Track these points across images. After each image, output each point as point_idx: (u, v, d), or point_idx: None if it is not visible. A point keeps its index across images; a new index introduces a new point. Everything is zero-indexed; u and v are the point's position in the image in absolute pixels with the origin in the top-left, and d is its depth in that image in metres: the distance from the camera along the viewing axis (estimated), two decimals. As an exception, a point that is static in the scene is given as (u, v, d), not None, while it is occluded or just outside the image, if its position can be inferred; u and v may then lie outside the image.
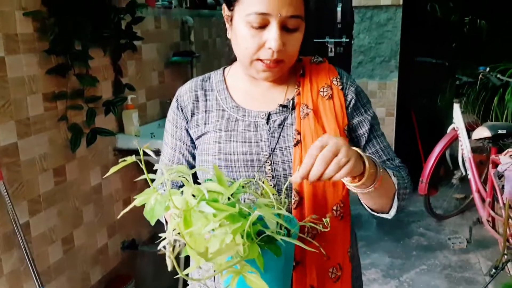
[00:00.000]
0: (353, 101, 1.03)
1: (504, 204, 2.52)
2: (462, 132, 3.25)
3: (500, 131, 2.84)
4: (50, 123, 2.05)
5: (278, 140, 0.97)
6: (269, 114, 1.00)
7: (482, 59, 4.09)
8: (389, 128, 3.93)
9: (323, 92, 1.02)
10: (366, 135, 1.04)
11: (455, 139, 3.35)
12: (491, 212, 2.92)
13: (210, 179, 0.75)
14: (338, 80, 1.03)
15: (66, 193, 2.18)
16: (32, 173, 1.97)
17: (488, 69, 3.31)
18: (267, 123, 0.99)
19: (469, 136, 3.17)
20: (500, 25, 4.12)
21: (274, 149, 0.97)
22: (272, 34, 0.89)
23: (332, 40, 4.19)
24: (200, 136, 1.03)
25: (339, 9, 4.09)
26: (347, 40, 4.13)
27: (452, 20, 4.18)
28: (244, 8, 0.90)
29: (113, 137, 2.48)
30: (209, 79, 1.08)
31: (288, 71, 1.03)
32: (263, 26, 0.90)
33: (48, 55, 2.00)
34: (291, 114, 1.00)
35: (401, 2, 3.75)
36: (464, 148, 3.22)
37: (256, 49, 0.92)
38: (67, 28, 2.00)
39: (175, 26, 3.12)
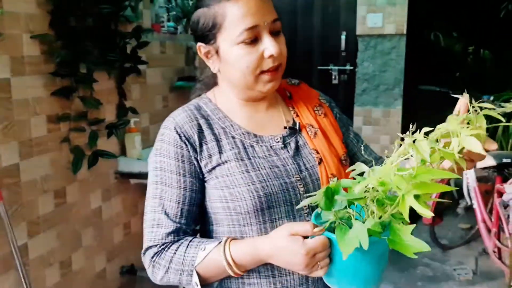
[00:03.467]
0: (337, 114, 1.12)
1: (510, 234, 2.48)
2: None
3: (504, 160, 2.81)
4: (52, 144, 2.06)
5: (302, 161, 1.00)
6: (283, 138, 1.01)
7: (485, 88, 4.11)
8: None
9: (318, 110, 1.08)
10: (354, 141, 1.12)
11: (459, 168, 3.32)
12: (497, 242, 2.86)
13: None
14: (322, 98, 1.12)
15: (66, 215, 2.17)
16: (32, 195, 1.96)
17: (492, 98, 3.31)
18: (285, 146, 1.00)
19: (474, 165, 3.15)
20: (503, 55, 4.15)
21: (302, 171, 0.98)
22: (267, 43, 0.92)
23: (336, 67, 4.21)
24: (215, 167, 0.95)
25: (343, 37, 4.13)
26: (351, 67, 4.16)
27: (456, 50, 4.22)
28: (231, 32, 0.92)
29: (114, 160, 2.48)
30: (200, 107, 1.02)
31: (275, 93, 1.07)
32: (254, 39, 0.92)
33: (53, 77, 2.03)
34: (300, 135, 1.03)
35: (405, 31, 3.78)
36: (469, 177, 3.19)
37: (257, 63, 0.93)
38: (73, 51, 2.03)
39: (180, 51, 3.16)
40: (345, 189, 0.80)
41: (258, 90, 0.98)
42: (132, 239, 2.62)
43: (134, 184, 2.60)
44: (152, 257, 0.94)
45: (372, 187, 0.72)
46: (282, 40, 0.97)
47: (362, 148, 1.12)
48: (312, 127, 1.04)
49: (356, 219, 0.75)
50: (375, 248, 0.76)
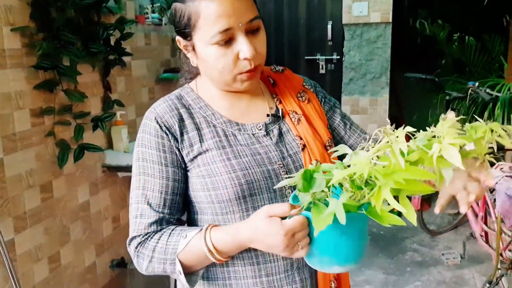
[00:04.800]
0: (323, 99, 1.11)
1: (496, 218, 2.51)
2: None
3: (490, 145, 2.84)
4: (37, 138, 2.03)
5: (285, 148, 0.99)
6: (266, 125, 1.01)
7: (470, 75, 4.14)
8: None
9: (301, 97, 1.07)
10: (341, 124, 1.12)
11: (446, 154, 3.35)
12: (484, 226, 2.90)
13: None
14: (306, 83, 1.11)
15: (53, 210, 2.15)
16: (17, 190, 1.94)
17: (477, 84, 3.34)
18: (267, 133, 1.00)
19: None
20: (487, 41, 4.18)
21: (284, 158, 0.98)
22: (242, 45, 0.89)
23: (323, 57, 4.21)
24: (196, 156, 0.95)
25: (329, 26, 4.13)
26: (338, 57, 4.16)
27: (441, 37, 4.24)
28: (205, 33, 0.90)
29: (101, 154, 2.45)
30: (182, 97, 1.02)
31: (259, 81, 1.06)
32: (229, 40, 0.90)
33: (35, 71, 2.00)
34: (283, 122, 1.03)
35: (390, 20, 3.79)
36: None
37: (233, 65, 0.92)
38: (55, 44, 2.00)
39: (166, 42, 3.13)
40: (325, 173, 0.80)
41: (236, 88, 0.98)
42: (121, 232, 2.61)
43: (122, 177, 2.59)
44: (136, 247, 0.93)
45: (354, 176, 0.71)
46: (261, 38, 0.93)
47: (350, 131, 1.11)
48: (296, 113, 1.03)
49: (332, 197, 0.74)
50: (353, 224, 0.77)
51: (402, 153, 0.68)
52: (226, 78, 0.94)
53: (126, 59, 2.55)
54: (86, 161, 2.32)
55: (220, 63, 0.91)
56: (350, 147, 1.07)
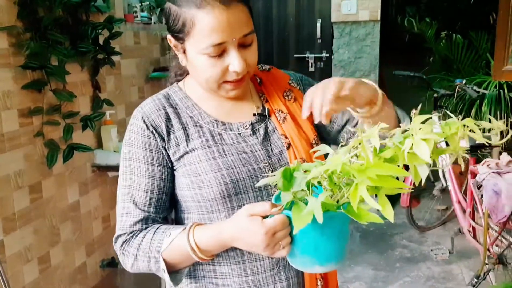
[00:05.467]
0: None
1: (483, 213, 2.54)
2: (442, 144, 3.28)
3: (477, 142, 2.87)
4: (25, 139, 2.02)
5: (271, 147, 1.00)
6: (252, 124, 1.01)
7: (458, 72, 4.19)
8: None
9: (288, 96, 1.07)
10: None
11: (434, 150, 3.38)
12: (472, 222, 2.94)
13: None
14: (292, 81, 1.10)
15: (43, 210, 2.14)
16: (6, 190, 1.92)
17: (464, 81, 3.38)
18: (253, 133, 1.00)
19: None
20: (474, 39, 4.23)
21: (270, 156, 0.98)
22: (233, 59, 0.89)
23: (313, 55, 4.23)
24: (183, 156, 0.95)
25: (318, 24, 4.15)
26: (327, 55, 4.18)
27: (429, 35, 4.28)
28: (197, 42, 0.89)
29: (91, 153, 2.44)
30: (169, 96, 1.01)
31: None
32: (221, 52, 0.90)
33: (23, 70, 1.98)
34: (269, 121, 1.03)
35: (378, 18, 3.82)
36: (444, 160, 3.25)
37: (221, 75, 0.92)
38: (42, 43, 1.99)
39: (155, 41, 3.12)
40: (305, 172, 0.80)
41: (221, 94, 0.98)
42: (111, 232, 2.59)
43: (112, 177, 2.58)
44: (122, 245, 0.94)
45: (328, 172, 0.71)
46: (252, 50, 0.94)
47: (338, 123, 1.10)
48: (282, 112, 1.04)
49: (312, 196, 0.74)
50: (333, 224, 0.77)
51: (375, 150, 0.69)
52: (211, 86, 0.95)
53: (115, 58, 2.54)
54: (76, 161, 2.31)
55: (209, 72, 0.91)
56: (339, 133, 1.08)
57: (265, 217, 0.80)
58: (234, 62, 0.90)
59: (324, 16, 4.12)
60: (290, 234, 0.81)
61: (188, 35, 0.90)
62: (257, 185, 0.89)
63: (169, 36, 0.98)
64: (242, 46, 0.91)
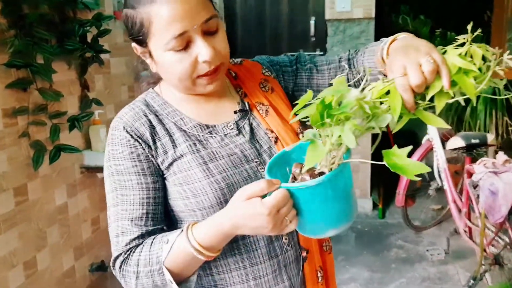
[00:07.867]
0: (281, 74, 1.07)
1: (480, 213, 2.51)
2: (437, 143, 3.25)
3: (473, 141, 2.84)
4: (10, 140, 1.95)
5: (259, 144, 0.97)
6: (236, 123, 0.97)
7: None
8: (365, 141, 3.93)
9: (264, 87, 1.03)
10: (308, 73, 1.08)
11: (430, 150, 3.35)
12: (468, 222, 2.91)
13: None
14: (265, 69, 1.06)
15: (28, 213, 2.07)
16: (-11, 194, 1.86)
17: (459, 79, 3.34)
18: (239, 132, 0.97)
19: (444, 147, 3.18)
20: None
21: (260, 154, 0.95)
22: (199, 48, 0.85)
23: (306, 53, 4.18)
24: (172, 163, 0.90)
25: (312, 22, 4.10)
26: (321, 53, 4.13)
27: (423, 32, 4.25)
28: (159, 39, 0.85)
29: (80, 154, 2.38)
30: (148, 103, 0.96)
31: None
32: (187, 44, 0.85)
33: (7, 69, 1.91)
34: (252, 116, 1.00)
35: (373, 15, 3.78)
36: (439, 159, 3.22)
37: (192, 69, 0.87)
38: (27, 41, 1.92)
39: (146, 39, 3.06)
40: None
41: (199, 91, 0.93)
42: (101, 235, 2.54)
43: (101, 178, 2.51)
44: (120, 267, 0.87)
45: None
46: (220, 37, 0.88)
47: (319, 73, 1.08)
48: (263, 105, 1.00)
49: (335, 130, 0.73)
50: (335, 183, 0.74)
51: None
52: (186, 84, 0.89)
53: (104, 56, 2.48)
54: (63, 162, 2.25)
55: (178, 68, 0.86)
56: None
57: (263, 196, 0.75)
58: (202, 51, 0.84)
59: (317, 13, 4.06)
60: (294, 206, 0.76)
61: (148, 34, 0.85)
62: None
63: (133, 44, 0.92)
64: (207, 33, 0.86)
